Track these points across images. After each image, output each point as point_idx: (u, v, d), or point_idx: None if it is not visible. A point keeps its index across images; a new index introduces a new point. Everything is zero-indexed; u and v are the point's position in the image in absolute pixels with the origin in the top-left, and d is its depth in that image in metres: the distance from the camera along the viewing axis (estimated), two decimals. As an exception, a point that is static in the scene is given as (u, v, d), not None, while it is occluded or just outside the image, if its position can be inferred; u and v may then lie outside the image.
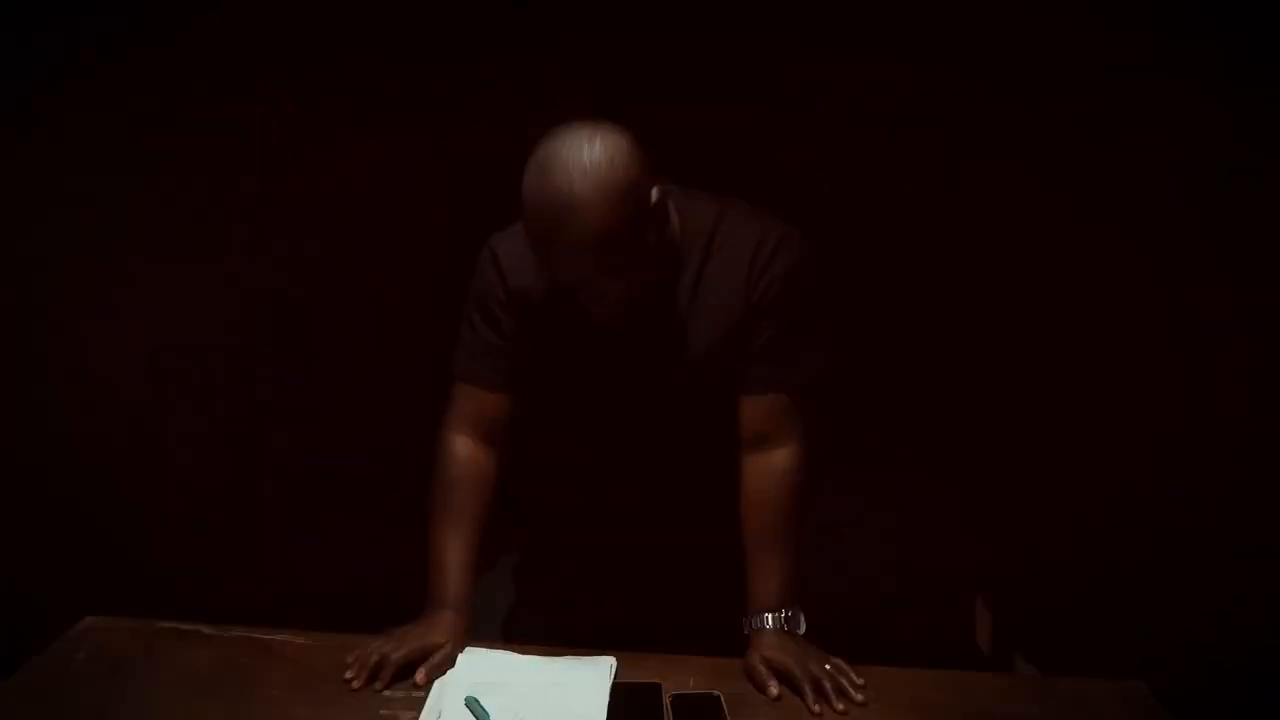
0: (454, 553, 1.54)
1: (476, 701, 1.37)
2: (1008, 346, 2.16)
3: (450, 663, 1.46)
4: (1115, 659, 1.79)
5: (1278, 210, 1.91)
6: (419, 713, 1.38)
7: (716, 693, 1.41)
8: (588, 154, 1.33)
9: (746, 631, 1.51)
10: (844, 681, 1.43)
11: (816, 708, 1.39)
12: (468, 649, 1.49)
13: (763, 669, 1.45)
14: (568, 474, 1.67)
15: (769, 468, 1.55)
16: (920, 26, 1.99)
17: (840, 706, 1.40)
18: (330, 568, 2.20)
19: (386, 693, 1.41)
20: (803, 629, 1.51)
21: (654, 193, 1.40)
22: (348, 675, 1.43)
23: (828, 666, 1.45)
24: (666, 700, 1.39)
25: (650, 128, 1.39)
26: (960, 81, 2.01)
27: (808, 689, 1.42)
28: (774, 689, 1.43)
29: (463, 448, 1.59)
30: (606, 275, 1.39)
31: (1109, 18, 1.93)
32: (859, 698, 1.41)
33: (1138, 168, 1.98)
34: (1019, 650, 2.19)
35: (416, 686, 1.42)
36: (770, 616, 1.50)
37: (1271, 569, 1.92)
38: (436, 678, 1.44)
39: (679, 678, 1.44)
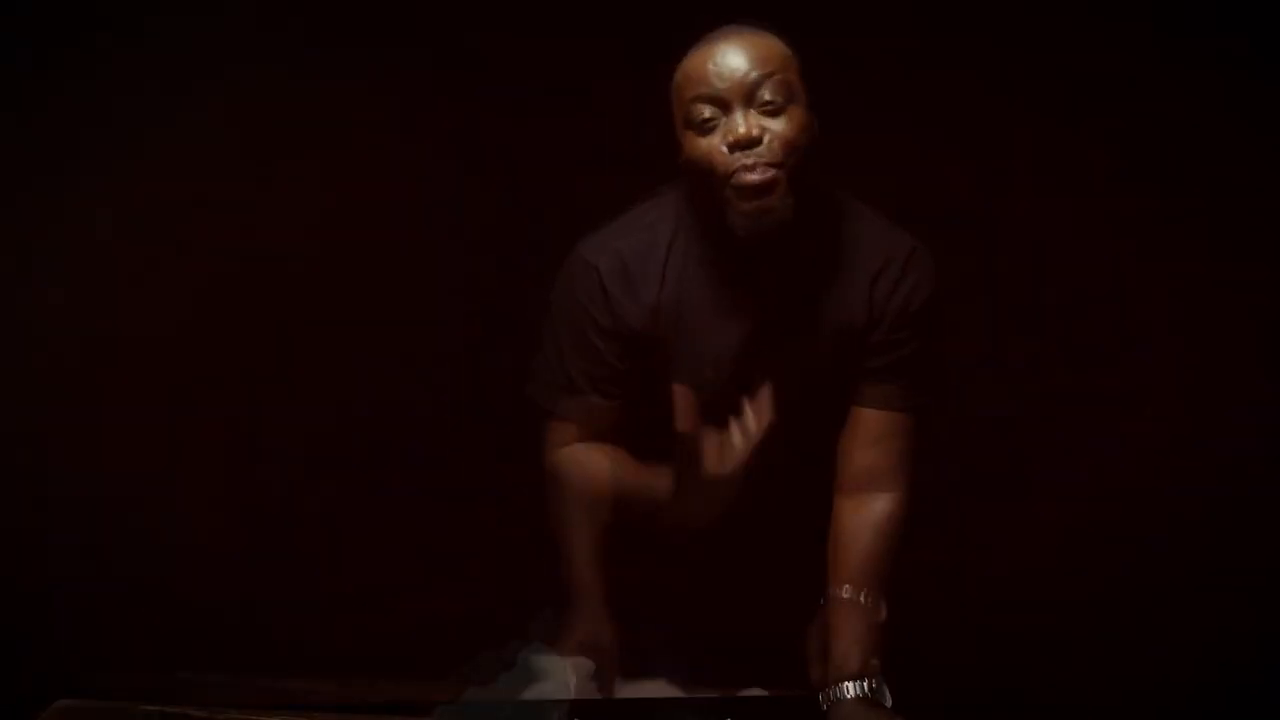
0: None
1: None
2: (1008, 348, 2.10)
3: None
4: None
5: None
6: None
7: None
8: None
9: (824, 705, 1.37)
10: None
11: None
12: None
13: None
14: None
15: (870, 514, 1.41)
16: (920, 26, 1.96)
17: None
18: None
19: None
20: (889, 702, 1.36)
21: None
22: None
23: None
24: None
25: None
26: (960, 80, 1.98)
27: None
28: None
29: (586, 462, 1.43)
30: (771, 99, 1.31)
31: (1108, 18, 1.93)
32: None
33: (1137, 166, 1.97)
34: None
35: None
36: (851, 685, 1.35)
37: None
38: None
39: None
